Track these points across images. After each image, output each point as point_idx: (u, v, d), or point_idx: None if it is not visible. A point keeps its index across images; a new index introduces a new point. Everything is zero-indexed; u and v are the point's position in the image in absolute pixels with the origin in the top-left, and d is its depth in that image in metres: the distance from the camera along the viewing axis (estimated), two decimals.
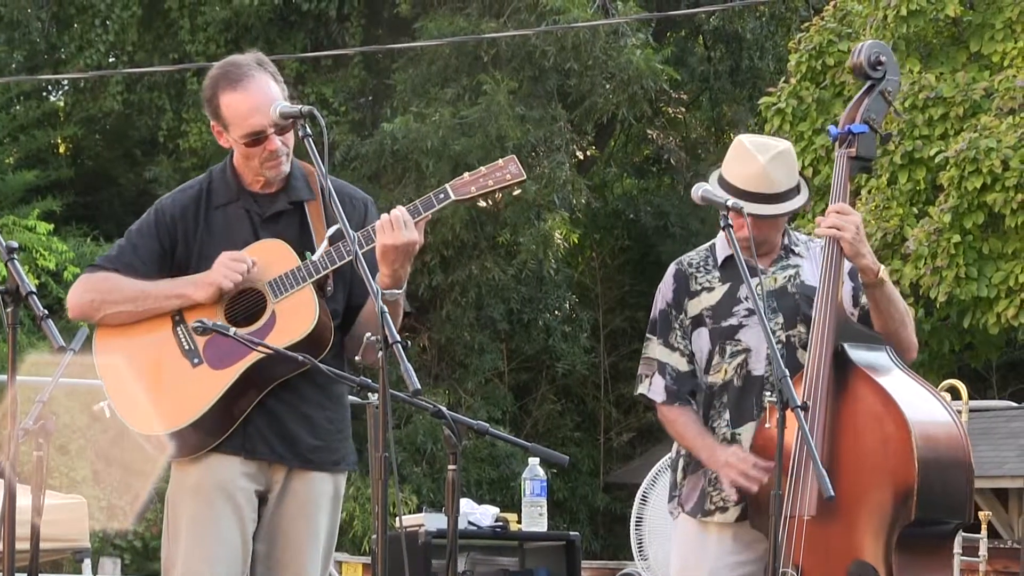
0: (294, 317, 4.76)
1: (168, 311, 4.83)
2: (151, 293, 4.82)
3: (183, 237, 4.90)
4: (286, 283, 4.78)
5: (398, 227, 4.65)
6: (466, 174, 4.87)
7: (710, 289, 5.20)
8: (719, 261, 5.23)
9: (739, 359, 5.13)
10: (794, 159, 5.20)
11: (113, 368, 4.83)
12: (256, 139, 4.81)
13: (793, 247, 5.25)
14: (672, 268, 5.28)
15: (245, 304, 4.81)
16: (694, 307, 5.20)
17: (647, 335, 5.28)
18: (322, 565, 4.90)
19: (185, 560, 4.80)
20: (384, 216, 4.69)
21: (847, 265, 5.05)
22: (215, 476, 4.79)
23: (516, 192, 4.92)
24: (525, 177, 4.91)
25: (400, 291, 4.73)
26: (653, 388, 5.22)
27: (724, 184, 5.14)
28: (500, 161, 4.88)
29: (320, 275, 4.77)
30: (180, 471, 4.85)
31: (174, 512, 4.86)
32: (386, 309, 4.14)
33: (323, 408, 4.89)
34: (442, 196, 4.79)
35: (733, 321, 5.15)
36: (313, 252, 4.83)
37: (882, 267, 5.02)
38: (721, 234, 5.20)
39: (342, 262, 4.77)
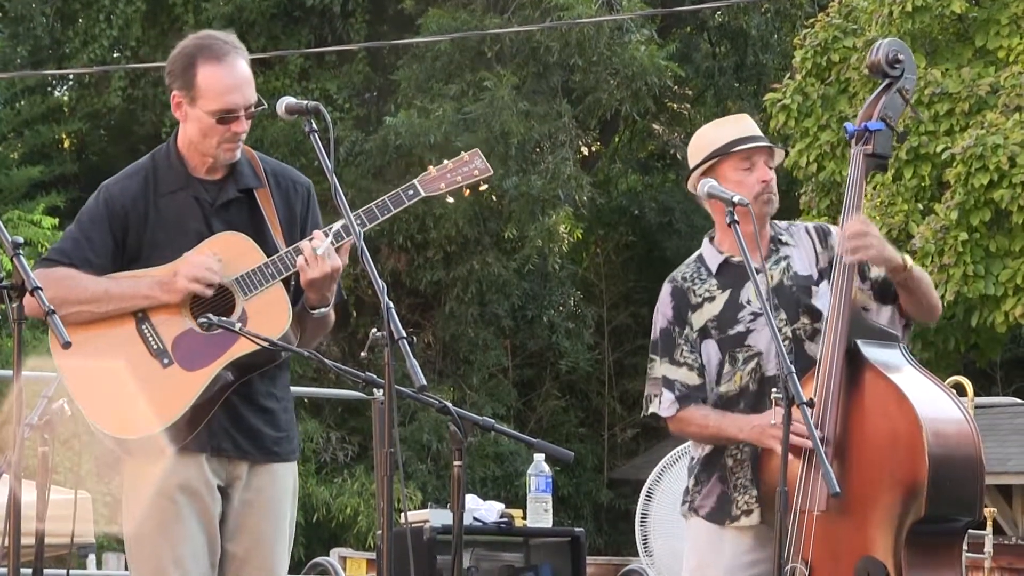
0: (267, 316, 4.70)
1: (131, 311, 4.74)
2: (115, 295, 4.71)
3: (134, 227, 4.79)
4: (255, 280, 4.71)
5: (321, 259, 4.65)
6: (432, 168, 4.86)
7: (711, 299, 5.15)
8: (713, 269, 5.19)
9: (752, 364, 5.09)
10: None
11: (77, 369, 4.69)
12: (227, 117, 4.72)
13: (780, 236, 5.22)
14: (667, 286, 5.22)
15: (211, 301, 4.73)
16: (698, 319, 5.14)
17: (650, 356, 5.24)
18: (287, 555, 4.91)
19: (154, 561, 4.75)
20: (307, 249, 4.67)
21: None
22: (178, 475, 4.73)
23: (482, 188, 4.90)
24: (491, 171, 4.90)
25: (328, 307, 4.78)
26: (662, 405, 5.15)
27: (716, 154, 5.09)
28: (465, 155, 4.87)
29: (290, 272, 4.72)
30: (140, 471, 4.77)
31: (136, 513, 4.78)
32: (391, 305, 4.14)
33: (277, 399, 4.87)
34: (411, 193, 4.79)
35: (740, 328, 5.10)
36: (266, 240, 4.78)
37: (904, 255, 5.01)
38: (707, 244, 5.21)
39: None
